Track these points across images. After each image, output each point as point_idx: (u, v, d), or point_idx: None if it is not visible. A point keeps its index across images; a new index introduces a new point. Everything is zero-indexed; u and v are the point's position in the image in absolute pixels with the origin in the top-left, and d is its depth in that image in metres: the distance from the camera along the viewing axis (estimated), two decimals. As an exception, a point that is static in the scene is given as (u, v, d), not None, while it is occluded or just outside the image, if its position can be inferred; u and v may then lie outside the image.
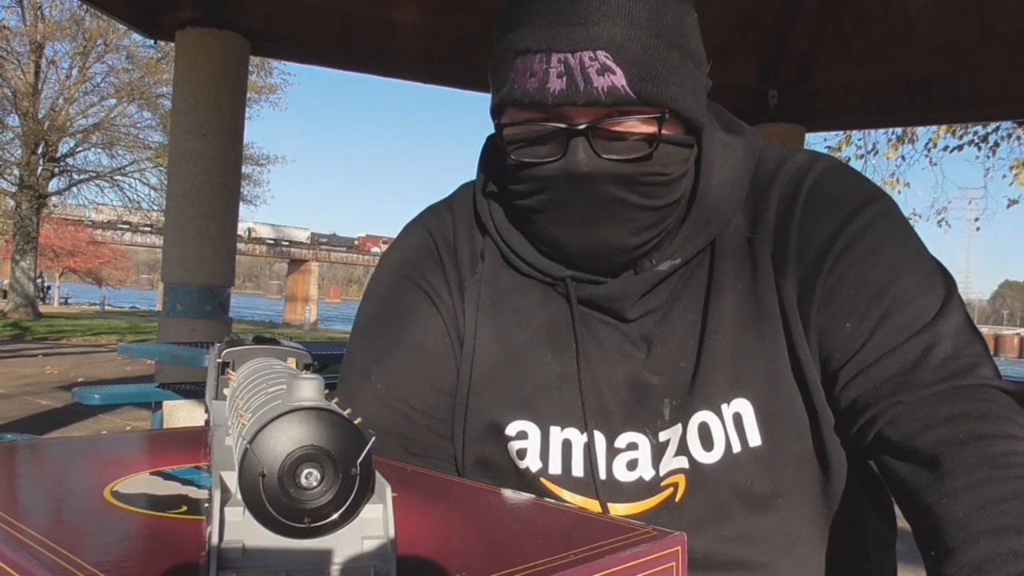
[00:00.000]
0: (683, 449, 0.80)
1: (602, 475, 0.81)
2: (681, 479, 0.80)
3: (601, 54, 0.71)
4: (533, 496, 0.63)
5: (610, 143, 0.75)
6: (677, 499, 0.80)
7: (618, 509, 0.81)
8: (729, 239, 0.83)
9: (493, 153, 0.89)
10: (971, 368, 0.72)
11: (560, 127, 0.74)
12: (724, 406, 0.79)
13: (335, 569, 0.39)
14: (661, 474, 0.81)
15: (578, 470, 0.82)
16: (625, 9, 0.71)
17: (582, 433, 0.82)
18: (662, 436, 0.81)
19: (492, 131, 0.85)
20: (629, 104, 0.72)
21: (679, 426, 0.80)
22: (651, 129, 0.75)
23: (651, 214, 0.78)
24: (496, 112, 0.80)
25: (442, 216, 0.93)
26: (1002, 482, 0.63)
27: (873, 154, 12.33)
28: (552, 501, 0.65)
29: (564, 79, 0.71)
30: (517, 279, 0.87)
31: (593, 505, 0.81)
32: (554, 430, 0.83)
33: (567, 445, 0.82)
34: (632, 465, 0.81)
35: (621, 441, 0.82)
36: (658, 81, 0.72)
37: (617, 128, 0.74)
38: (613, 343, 0.84)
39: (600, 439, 0.82)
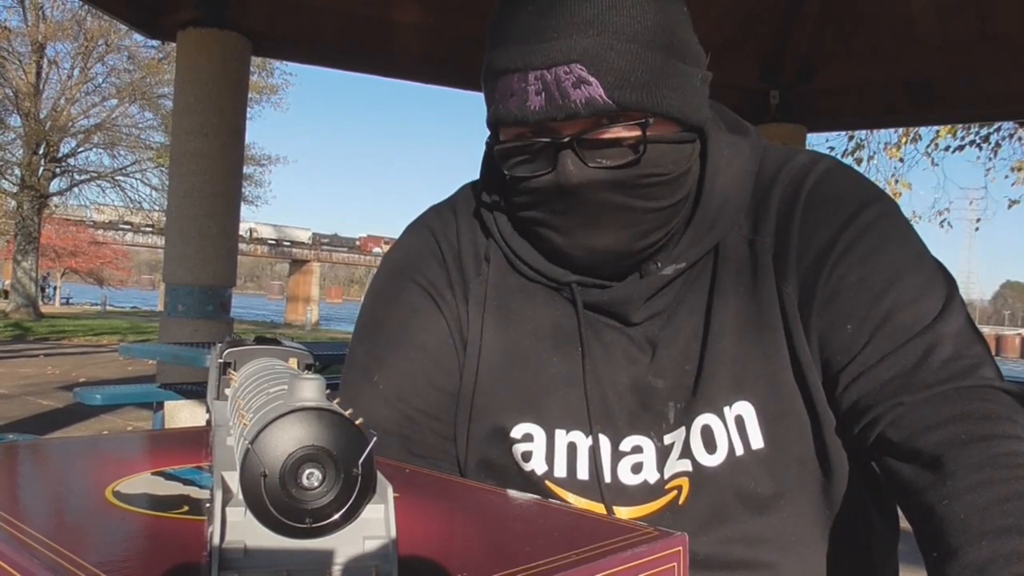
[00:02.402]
0: (687, 452, 0.80)
1: (607, 478, 0.81)
2: (685, 482, 0.80)
3: (576, 67, 0.71)
4: (534, 496, 0.63)
5: (598, 151, 0.75)
6: (681, 502, 0.80)
7: (623, 512, 0.81)
8: (732, 241, 0.82)
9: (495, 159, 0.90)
10: (972, 369, 0.72)
11: (546, 141, 0.75)
12: (726, 408, 0.79)
13: (337, 569, 0.39)
14: (665, 477, 0.81)
15: (583, 473, 0.82)
16: (598, 19, 0.71)
17: (587, 436, 0.82)
18: (667, 439, 0.81)
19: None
20: (609, 112, 0.72)
21: (683, 429, 0.80)
22: (638, 133, 0.74)
23: (656, 215, 0.78)
24: (491, 128, 0.80)
25: (445, 217, 0.93)
26: (1004, 483, 0.63)
27: (870, 159, 12.34)
28: (554, 501, 0.65)
29: (543, 95, 0.72)
30: (522, 282, 0.87)
31: (598, 508, 0.81)
32: (559, 433, 0.83)
33: (572, 448, 0.82)
34: (637, 468, 0.81)
35: (626, 444, 0.82)
36: (637, 87, 0.72)
37: (602, 136, 0.74)
38: (618, 346, 0.84)
39: (605, 442, 0.82)
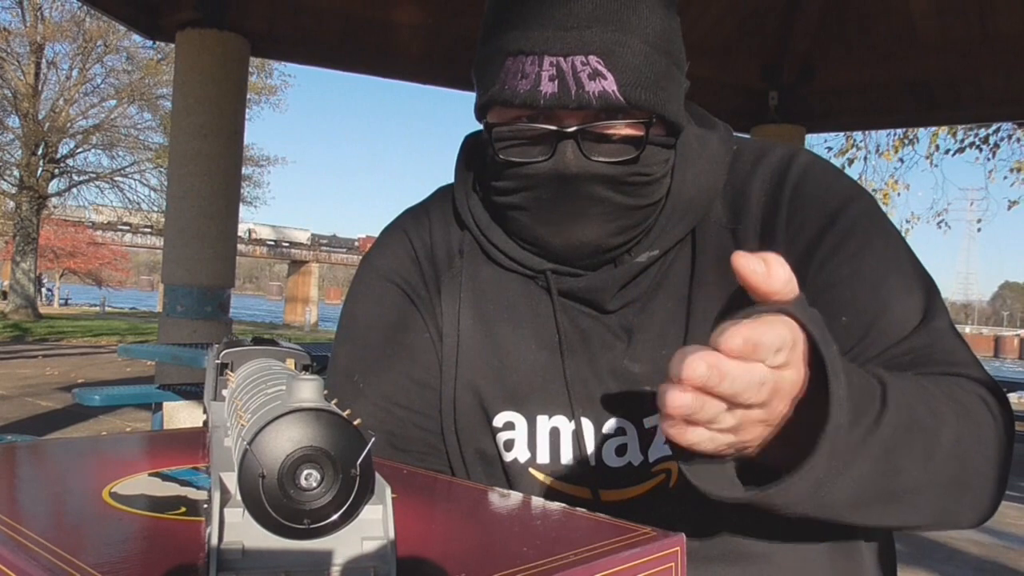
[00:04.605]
0: None
1: (591, 461, 0.82)
2: (674, 465, 0.80)
3: (593, 59, 0.72)
4: (533, 496, 0.63)
5: (598, 145, 0.76)
6: (671, 485, 0.80)
7: (609, 495, 0.82)
8: (710, 230, 0.84)
9: (473, 152, 0.91)
10: (971, 364, 0.74)
11: (550, 129, 0.75)
12: None
13: (335, 570, 0.39)
14: (650, 460, 0.81)
15: (567, 458, 0.83)
16: (618, 15, 0.73)
17: (570, 420, 0.83)
18: (647, 423, 0.82)
19: (470, 131, 0.87)
20: (620, 109, 0.74)
21: None
22: (638, 132, 0.76)
23: (635, 213, 0.80)
24: (482, 110, 0.80)
25: (418, 217, 0.95)
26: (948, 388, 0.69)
27: (877, 154, 12.35)
28: (551, 502, 0.65)
29: (556, 82, 0.73)
30: (498, 272, 0.88)
31: (583, 492, 0.82)
32: (541, 419, 0.84)
33: (555, 433, 0.83)
34: (621, 451, 0.82)
35: (609, 427, 0.82)
36: (647, 87, 0.74)
37: (606, 131, 0.75)
38: (595, 333, 0.84)
39: (588, 425, 0.83)
